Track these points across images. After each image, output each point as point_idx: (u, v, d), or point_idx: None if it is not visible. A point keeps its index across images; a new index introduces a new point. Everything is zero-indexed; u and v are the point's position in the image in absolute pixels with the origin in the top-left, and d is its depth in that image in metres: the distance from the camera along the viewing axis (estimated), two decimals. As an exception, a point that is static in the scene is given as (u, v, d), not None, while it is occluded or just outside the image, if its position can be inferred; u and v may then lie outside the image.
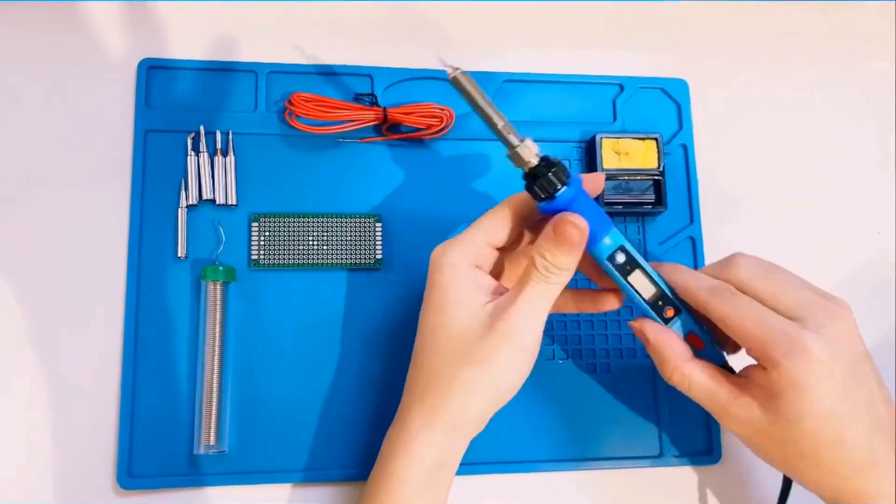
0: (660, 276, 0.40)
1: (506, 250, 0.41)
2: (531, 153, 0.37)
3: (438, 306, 0.39)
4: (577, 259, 0.38)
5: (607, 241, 0.39)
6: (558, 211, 0.37)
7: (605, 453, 0.47)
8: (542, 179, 0.37)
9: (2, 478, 0.43)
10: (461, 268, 0.39)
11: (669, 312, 0.40)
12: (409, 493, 0.38)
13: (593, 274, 0.42)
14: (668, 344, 0.40)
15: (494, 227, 0.40)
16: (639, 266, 0.39)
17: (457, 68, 0.37)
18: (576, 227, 0.37)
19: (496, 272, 0.41)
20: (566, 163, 0.51)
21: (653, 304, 0.40)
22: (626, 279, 0.39)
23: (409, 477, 0.38)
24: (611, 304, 0.41)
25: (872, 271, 0.53)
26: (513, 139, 0.38)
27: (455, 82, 0.38)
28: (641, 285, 0.40)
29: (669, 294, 0.40)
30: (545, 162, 0.37)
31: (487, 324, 0.37)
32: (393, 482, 0.38)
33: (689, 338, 0.40)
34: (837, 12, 0.57)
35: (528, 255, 0.39)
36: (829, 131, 0.55)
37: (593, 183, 0.40)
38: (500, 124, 0.38)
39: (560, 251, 0.37)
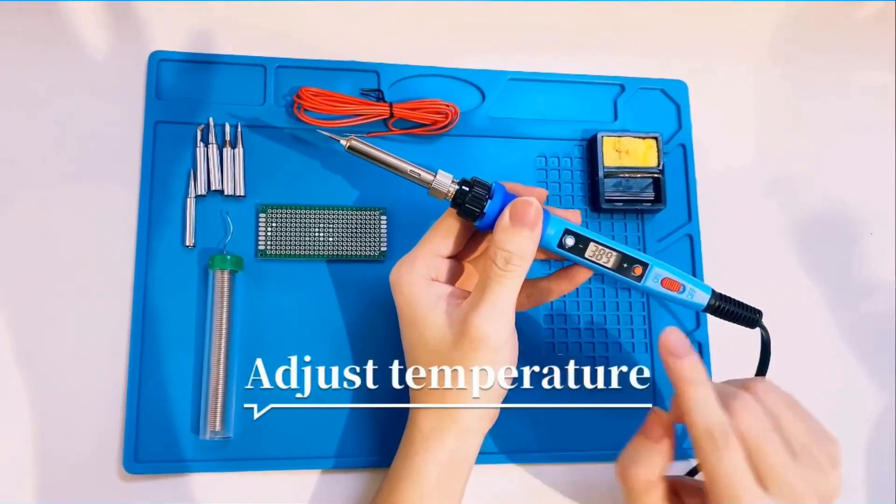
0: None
1: (459, 256, 0.43)
2: (447, 184, 0.40)
3: (410, 322, 0.40)
4: (536, 242, 0.39)
5: (550, 230, 0.40)
6: (492, 222, 0.39)
7: (600, 446, 0.48)
8: (467, 203, 0.39)
9: (9, 461, 0.43)
10: (419, 283, 0.40)
11: (638, 270, 0.41)
12: (427, 485, 0.39)
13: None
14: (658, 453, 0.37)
15: (441, 239, 0.41)
16: (590, 240, 0.40)
17: (349, 138, 0.41)
18: (528, 203, 0.38)
19: (454, 278, 0.43)
20: (567, 161, 0.52)
21: (618, 269, 0.41)
22: (584, 257, 0.40)
23: (426, 472, 0.39)
24: (584, 274, 0.42)
25: (865, 271, 0.54)
26: (426, 177, 0.40)
27: (353, 150, 0.41)
28: (601, 257, 0.41)
29: (632, 253, 0.41)
30: (464, 185, 0.40)
31: (457, 332, 0.38)
32: (412, 478, 0.40)
33: (663, 283, 0.41)
34: (838, 15, 0.59)
35: (481, 261, 0.40)
36: (826, 132, 0.56)
37: (573, 216, 0.41)
38: (408, 169, 0.41)
39: (518, 234, 0.38)
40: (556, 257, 0.41)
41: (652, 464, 0.36)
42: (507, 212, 0.38)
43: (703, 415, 0.34)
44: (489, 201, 0.39)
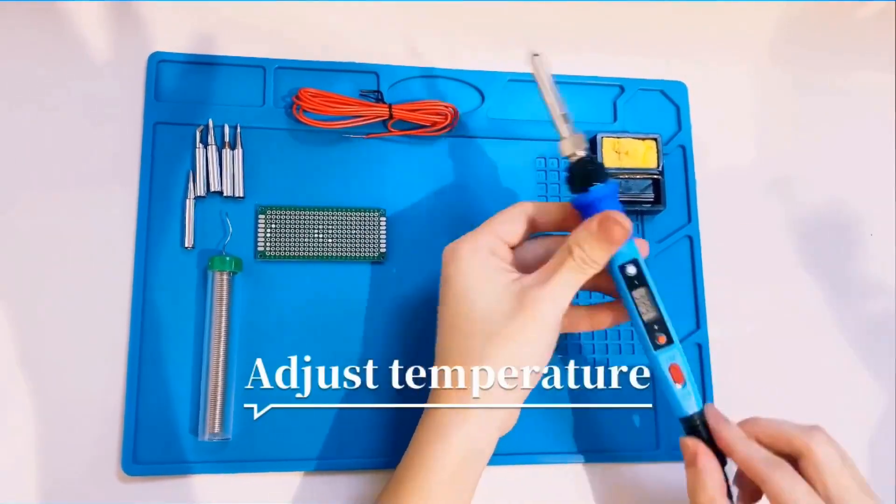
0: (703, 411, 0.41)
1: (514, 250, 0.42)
2: (579, 145, 0.40)
3: (458, 294, 0.40)
4: (610, 255, 0.39)
5: (624, 249, 0.39)
6: (588, 205, 0.39)
7: (602, 448, 0.48)
8: (582, 171, 0.39)
9: (7, 463, 0.43)
10: (478, 255, 0.40)
11: (661, 339, 0.40)
12: (440, 478, 0.38)
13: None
14: (712, 474, 0.40)
15: (506, 225, 0.41)
16: (645, 284, 0.40)
17: (536, 54, 0.40)
18: (621, 225, 0.38)
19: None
20: (567, 162, 0.51)
21: (648, 326, 0.40)
22: (630, 292, 0.40)
23: (442, 464, 0.38)
24: (625, 316, 0.42)
25: (865, 271, 0.54)
26: (566, 129, 0.40)
27: (533, 66, 0.40)
28: (643, 304, 0.40)
29: (668, 323, 0.40)
30: (590, 158, 0.40)
31: (515, 303, 0.38)
32: (425, 468, 0.38)
33: (671, 368, 0.40)
34: (838, 15, 0.59)
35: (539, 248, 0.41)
36: (826, 132, 0.56)
37: (643, 248, 0.42)
38: (559, 112, 0.40)
39: (600, 246, 0.38)
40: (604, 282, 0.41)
41: (705, 486, 0.40)
42: (598, 218, 0.38)
43: (756, 455, 0.39)
44: (600, 186, 0.39)
